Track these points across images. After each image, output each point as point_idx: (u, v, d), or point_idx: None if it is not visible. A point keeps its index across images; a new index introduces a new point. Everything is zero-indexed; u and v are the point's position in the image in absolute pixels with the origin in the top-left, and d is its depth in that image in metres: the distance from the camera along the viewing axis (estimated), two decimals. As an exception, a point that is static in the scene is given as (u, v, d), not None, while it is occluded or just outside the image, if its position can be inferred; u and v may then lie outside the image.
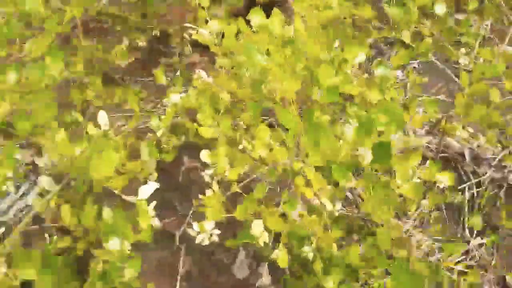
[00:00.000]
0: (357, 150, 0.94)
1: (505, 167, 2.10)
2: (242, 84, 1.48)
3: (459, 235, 1.85)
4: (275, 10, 1.08)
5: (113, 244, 1.08)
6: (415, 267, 0.97)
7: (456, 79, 1.77)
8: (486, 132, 1.86)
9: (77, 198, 1.46)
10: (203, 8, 1.52)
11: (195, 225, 1.10)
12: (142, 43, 2.19)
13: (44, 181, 1.46)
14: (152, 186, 1.31)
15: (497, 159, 2.11)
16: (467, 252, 1.76)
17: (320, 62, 1.15)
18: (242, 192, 1.15)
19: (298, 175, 1.04)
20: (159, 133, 1.45)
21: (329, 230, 1.00)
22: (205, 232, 1.09)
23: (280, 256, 1.03)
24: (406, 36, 1.60)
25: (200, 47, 2.28)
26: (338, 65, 1.17)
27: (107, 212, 1.31)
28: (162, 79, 1.53)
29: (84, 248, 1.34)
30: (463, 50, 1.50)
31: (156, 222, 1.35)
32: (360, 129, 0.91)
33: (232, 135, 1.28)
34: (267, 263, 1.69)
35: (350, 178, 1.05)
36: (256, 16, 1.11)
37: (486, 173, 2.07)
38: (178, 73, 2.67)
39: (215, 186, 1.21)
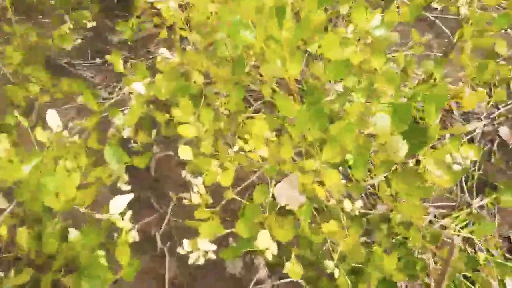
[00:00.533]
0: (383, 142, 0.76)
1: (494, 119, 2.02)
2: (218, 63, 1.25)
3: (458, 198, 1.76)
4: None
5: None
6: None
7: (447, 32, 1.61)
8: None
9: (34, 217, 1.22)
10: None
11: (186, 243, 0.90)
12: (89, 23, 1.87)
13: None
14: (126, 197, 1.09)
15: (486, 113, 2.03)
16: (469, 215, 1.67)
17: (321, 30, 0.95)
18: (237, 198, 0.95)
19: (305, 173, 0.86)
20: (125, 134, 1.20)
21: (352, 235, 0.83)
22: (198, 250, 0.89)
23: (293, 269, 0.86)
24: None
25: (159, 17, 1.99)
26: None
27: (73, 234, 1.09)
28: (119, 66, 1.27)
29: (50, 280, 1.12)
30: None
31: (135, 234, 1.14)
32: (395, 116, 0.73)
33: (216, 128, 1.06)
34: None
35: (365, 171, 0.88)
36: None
37: (476, 129, 1.98)
38: (136, 59, 2.39)
39: (201, 189, 1.00)
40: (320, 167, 0.82)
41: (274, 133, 0.98)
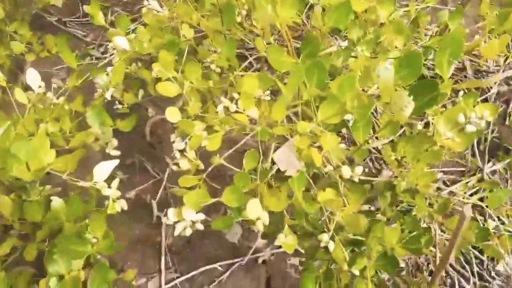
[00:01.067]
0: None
1: (510, 79, 1.89)
2: (208, 15, 1.13)
3: (469, 163, 1.66)
4: None
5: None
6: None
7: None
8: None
9: (20, 185, 1.15)
10: None
11: (170, 212, 0.82)
12: None
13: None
14: (110, 163, 1.01)
15: (502, 71, 1.89)
16: (480, 181, 1.58)
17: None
18: (226, 163, 0.87)
19: (301, 136, 0.76)
20: (108, 95, 1.11)
21: (351, 204, 0.75)
22: (185, 221, 0.82)
23: (287, 241, 0.79)
24: None
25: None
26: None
27: (56, 202, 1.02)
28: (98, 19, 1.16)
29: (35, 250, 1.06)
30: None
31: (123, 204, 1.06)
32: (402, 67, 0.62)
33: (203, 87, 0.96)
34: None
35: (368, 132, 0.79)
36: None
37: (491, 88, 1.85)
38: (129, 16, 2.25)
39: (191, 154, 0.92)
40: (316, 129, 0.72)
41: (268, 93, 0.88)
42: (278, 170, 1.13)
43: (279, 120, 0.76)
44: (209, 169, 0.86)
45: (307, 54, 0.75)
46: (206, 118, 0.85)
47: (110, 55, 1.84)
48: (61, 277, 0.81)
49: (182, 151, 0.96)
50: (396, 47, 1.00)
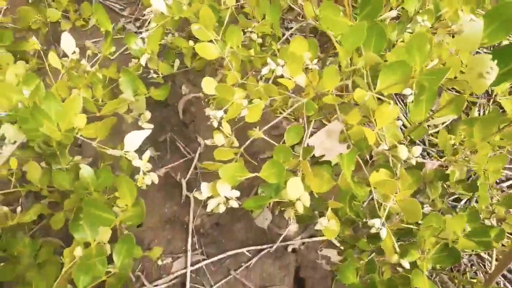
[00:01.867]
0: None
1: None
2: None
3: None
4: None
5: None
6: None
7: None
8: None
9: (50, 152, 1.12)
10: None
11: (204, 187, 0.76)
12: None
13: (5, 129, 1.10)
14: (142, 133, 0.95)
15: None
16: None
17: None
18: (267, 139, 0.79)
19: (351, 108, 0.68)
20: (143, 60, 1.05)
21: (406, 189, 0.66)
22: (219, 196, 0.75)
23: (328, 226, 0.71)
24: None
25: None
26: None
27: (85, 171, 0.98)
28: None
29: (63, 219, 1.02)
30: None
31: (154, 177, 1.01)
32: (493, 18, 0.52)
33: (244, 55, 0.88)
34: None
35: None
36: None
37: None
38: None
39: (226, 128, 0.84)
40: (371, 101, 0.63)
41: (316, 61, 0.80)
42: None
43: (330, 90, 0.68)
44: (246, 143, 0.78)
45: (366, 15, 0.66)
46: (247, 86, 0.77)
47: (146, 30, 1.80)
48: (86, 245, 0.76)
49: (218, 125, 0.89)
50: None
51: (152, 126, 1.13)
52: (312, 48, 0.77)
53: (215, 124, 0.78)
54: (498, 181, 1.49)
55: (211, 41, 0.79)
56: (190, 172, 1.55)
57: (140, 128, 1.14)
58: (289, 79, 0.69)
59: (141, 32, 2.07)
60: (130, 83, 0.98)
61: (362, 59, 0.67)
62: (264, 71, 0.71)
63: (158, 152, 1.61)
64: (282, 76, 0.69)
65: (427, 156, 1.54)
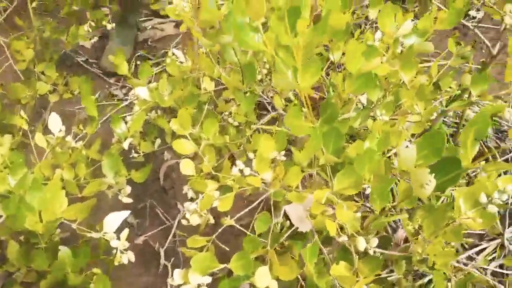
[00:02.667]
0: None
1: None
2: (229, 69, 1.14)
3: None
4: None
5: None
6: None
7: (487, 42, 1.45)
8: None
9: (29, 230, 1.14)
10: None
11: (176, 274, 0.79)
12: (109, 24, 1.79)
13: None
14: (121, 214, 0.99)
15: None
16: (501, 247, 1.51)
17: (344, 35, 0.83)
18: (236, 225, 0.84)
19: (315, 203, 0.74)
20: (125, 144, 1.11)
21: (364, 279, 0.71)
22: (190, 285, 0.78)
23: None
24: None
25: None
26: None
27: (63, 252, 1.01)
28: (123, 68, 1.18)
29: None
30: (509, 6, 1.17)
31: (131, 256, 1.04)
32: (424, 146, 0.60)
33: (220, 142, 0.96)
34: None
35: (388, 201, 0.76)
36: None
37: (512, 150, 1.80)
38: (154, 59, 2.31)
39: (199, 218, 0.89)
40: (332, 198, 0.70)
41: (283, 153, 0.87)
42: (291, 226, 1.10)
43: (293, 185, 0.74)
44: (219, 230, 0.83)
45: (325, 119, 0.74)
46: (219, 177, 0.83)
47: (132, 97, 1.88)
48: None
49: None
50: (416, 111, 0.99)
51: (131, 200, 1.18)
52: (280, 142, 0.85)
53: (188, 216, 0.83)
54: (467, 247, 1.55)
55: (186, 136, 0.86)
56: (168, 240, 1.58)
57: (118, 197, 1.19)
58: (257, 175, 0.75)
59: (126, 99, 2.17)
60: (112, 167, 1.03)
61: (322, 158, 0.74)
62: (234, 171, 0.78)
63: (137, 220, 1.64)
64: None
65: (399, 222, 1.60)
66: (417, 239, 0.81)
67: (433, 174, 0.59)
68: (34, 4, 1.69)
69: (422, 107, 0.96)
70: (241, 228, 0.83)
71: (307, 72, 0.68)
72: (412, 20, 1.16)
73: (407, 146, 0.61)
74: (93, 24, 1.87)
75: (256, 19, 0.70)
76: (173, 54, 1.38)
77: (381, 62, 0.92)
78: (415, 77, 0.95)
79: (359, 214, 0.78)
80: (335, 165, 0.77)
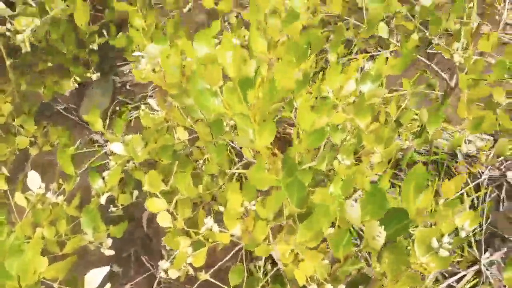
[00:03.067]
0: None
1: (502, 163, 1.91)
2: (200, 122, 1.20)
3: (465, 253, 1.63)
4: (226, 35, 0.79)
5: None
6: None
7: (443, 74, 1.54)
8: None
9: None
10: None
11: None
12: (94, 75, 1.80)
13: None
14: (102, 270, 1.01)
15: (491, 155, 1.92)
16: (478, 273, 1.55)
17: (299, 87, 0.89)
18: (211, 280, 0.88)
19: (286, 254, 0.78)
20: (103, 199, 1.14)
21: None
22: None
23: None
24: (383, 30, 1.34)
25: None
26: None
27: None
28: (98, 126, 1.23)
29: None
30: (456, 44, 1.26)
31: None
32: (369, 203, 0.65)
33: (193, 194, 1.00)
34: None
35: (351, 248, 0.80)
36: (201, 43, 0.83)
37: (482, 173, 1.87)
38: (132, 103, 2.36)
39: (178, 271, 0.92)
40: (297, 249, 0.74)
41: (254, 202, 0.91)
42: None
43: (261, 239, 0.78)
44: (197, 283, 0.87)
45: (287, 172, 0.79)
46: (190, 234, 0.87)
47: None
48: None
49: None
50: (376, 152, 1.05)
51: (113, 252, 1.20)
52: (249, 194, 0.89)
53: (163, 275, 0.86)
54: (447, 275, 1.58)
55: (157, 195, 0.90)
56: None
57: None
58: (226, 233, 0.79)
59: (106, 145, 2.20)
60: (91, 223, 1.06)
61: (287, 209, 0.79)
62: (203, 229, 0.82)
63: (122, 268, 1.65)
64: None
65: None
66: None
67: (383, 226, 0.64)
68: (9, 62, 1.72)
69: (382, 149, 1.02)
70: (217, 283, 0.86)
71: (263, 133, 0.73)
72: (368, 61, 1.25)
73: (352, 205, 0.66)
74: (78, 79, 1.90)
75: (213, 85, 0.76)
76: (148, 104, 1.44)
77: (336, 112, 0.98)
78: (372, 123, 1.00)
79: (327, 262, 0.82)
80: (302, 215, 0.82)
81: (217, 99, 0.79)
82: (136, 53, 1.12)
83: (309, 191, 0.84)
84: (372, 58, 2.26)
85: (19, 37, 1.20)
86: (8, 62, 1.80)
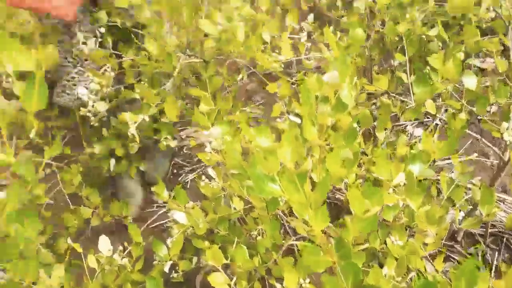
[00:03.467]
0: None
1: None
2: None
3: None
4: (286, 132, 0.87)
5: None
6: None
7: (495, 149, 1.54)
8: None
9: None
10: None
11: None
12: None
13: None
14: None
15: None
16: None
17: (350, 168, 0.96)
18: None
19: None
20: (166, 268, 1.24)
21: None
22: None
23: None
24: (431, 107, 1.39)
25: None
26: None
27: None
28: (163, 196, 1.35)
29: None
30: (505, 124, 1.28)
31: None
32: None
33: (249, 267, 1.06)
34: None
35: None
36: (261, 137, 0.92)
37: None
38: (189, 166, 2.51)
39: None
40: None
41: (308, 280, 0.96)
42: None
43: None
44: None
45: (341, 256, 0.84)
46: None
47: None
48: None
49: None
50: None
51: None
52: (303, 270, 0.94)
53: None
54: None
55: (218, 269, 0.97)
56: None
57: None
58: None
59: (165, 205, 2.34)
60: (154, 289, 1.15)
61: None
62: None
63: None
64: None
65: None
66: None
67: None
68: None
69: (434, 230, 1.05)
70: None
71: (318, 218, 0.80)
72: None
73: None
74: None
75: (271, 172, 0.85)
76: (207, 174, 1.57)
77: (388, 193, 1.03)
78: (424, 204, 1.04)
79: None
80: None
81: (274, 184, 0.87)
82: (204, 132, 1.25)
83: (363, 271, 0.88)
84: (421, 124, 2.29)
85: (131, 129, 1.37)
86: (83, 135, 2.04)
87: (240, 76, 2.20)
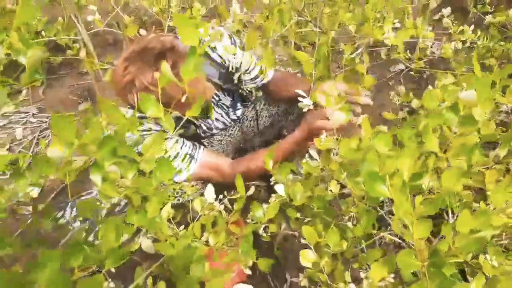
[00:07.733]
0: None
1: None
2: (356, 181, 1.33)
3: None
4: (408, 146, 0.90)
5: None
6: None
7: None
8: None
9: None
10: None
11: None
12: None
13: None
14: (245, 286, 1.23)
15: None
16: None
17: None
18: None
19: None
20: (260, 230, 1.37)
21: None
22: None
23: None
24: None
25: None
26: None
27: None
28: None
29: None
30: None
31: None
32: None
33: (337, 250, 1.14)
34: None
35: None
36: (380, 142, 0.96)
37: None
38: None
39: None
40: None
41: (393, 275, 1.02)
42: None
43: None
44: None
45: (433, 264, 0.88)
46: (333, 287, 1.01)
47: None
48: None
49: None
50: None
51: (250, 272, 1.42)
52: (390, 266, 1.00)
53: None
54: None
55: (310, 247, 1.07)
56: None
57: None
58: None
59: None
60: (246, 246, 1.29)
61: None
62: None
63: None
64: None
65: None
66: None
67: None
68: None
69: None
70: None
71: (420, 229, 0.84)
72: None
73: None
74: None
75: (385, 175, 0.89)
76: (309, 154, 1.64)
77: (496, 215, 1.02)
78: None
79: None
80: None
81: (385, 185, 0.92)
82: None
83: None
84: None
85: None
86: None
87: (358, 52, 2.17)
